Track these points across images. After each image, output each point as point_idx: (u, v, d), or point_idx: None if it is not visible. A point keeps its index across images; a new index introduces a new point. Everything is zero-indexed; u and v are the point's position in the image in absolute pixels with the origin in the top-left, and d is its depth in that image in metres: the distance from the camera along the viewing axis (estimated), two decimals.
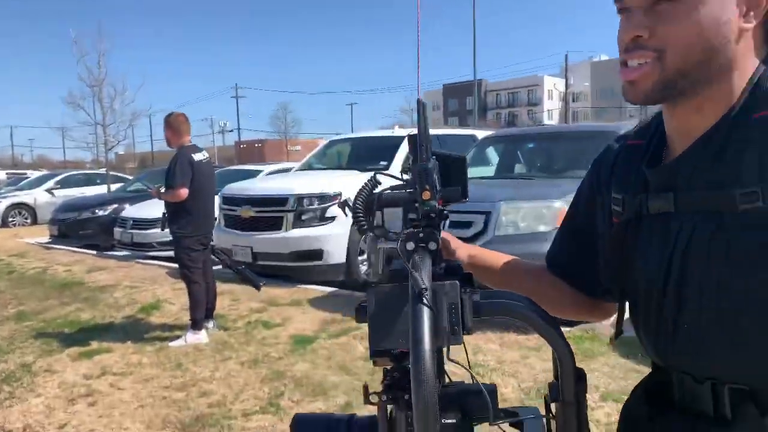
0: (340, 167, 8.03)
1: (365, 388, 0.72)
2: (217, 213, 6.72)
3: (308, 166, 8.51)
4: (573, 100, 61.69)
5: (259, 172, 10.23)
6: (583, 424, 0.76)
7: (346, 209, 0.83)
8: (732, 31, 0.76)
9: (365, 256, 6.40)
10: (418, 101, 0.73)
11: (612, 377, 3.59)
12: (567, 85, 47.06)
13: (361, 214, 0.76)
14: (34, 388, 4.06)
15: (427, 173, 0.67)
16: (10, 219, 15.95)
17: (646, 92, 0.79)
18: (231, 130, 65.71)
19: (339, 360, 4.16)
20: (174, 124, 4.89)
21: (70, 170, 22.71)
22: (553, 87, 75.50)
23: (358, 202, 0.76)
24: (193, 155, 4.82)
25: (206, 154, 5.09)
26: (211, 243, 5.23)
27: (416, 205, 0.68)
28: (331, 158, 8.72)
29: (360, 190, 0.77)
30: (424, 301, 0.59)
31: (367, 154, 7.95)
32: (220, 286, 5.53)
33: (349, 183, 6.57)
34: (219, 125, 66.71)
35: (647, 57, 0.78)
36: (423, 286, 0.60)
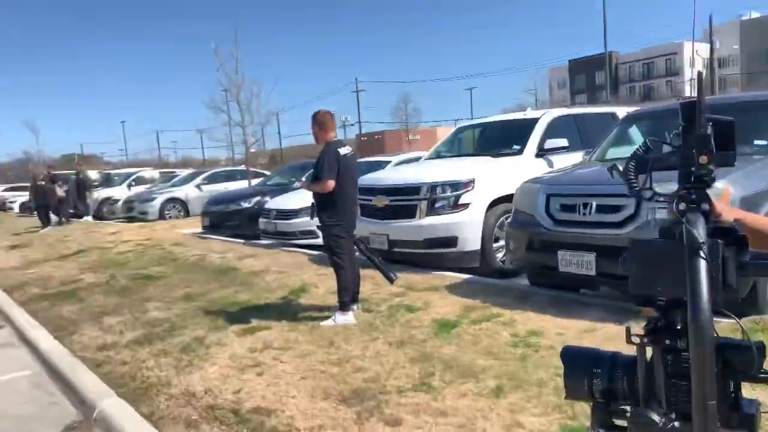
0: (470, 154, 8.07)
1: (627, 329, 0.81)
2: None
3: (437, 155, 8.64)
4: (719, 66, 55.90)
5: (386, 162, 10.54)
6: None
7: (614, 172, 0.92)
8: None
9: (502, 243, 6.43)
10: (699, 73, 0.81)
11: None
12: (712, 50, 42.17)
13: (632, 176, 0.84)
14: (208, 358, 4.56)
15: (705, 139, 0.74)
16: (166, 212, 17.66)
17: None
18: (352, 124, 67.66)
19: (485, 345, 4.25)
20: (321, 121, 5.23)
21: (211, 168, 24.71)
22: (694, 53, 69.14)
23: (631, 164, 0.85)
24: (339, 149, 5.14)
25: (350, 148, 5.39)
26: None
27: (691, 168, 0.76)
28: (461, 145, 8.78)
29: (632, 154, 0.85)
30: (702, 255, 0.67)
31: (499, 138, 7.94)
32: (362, 271, 5.84)
33: (482, 169, 6.62)
34: (341, 120, 68.88)
35: None
36: (701, 241, 0.67)
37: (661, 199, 0.79)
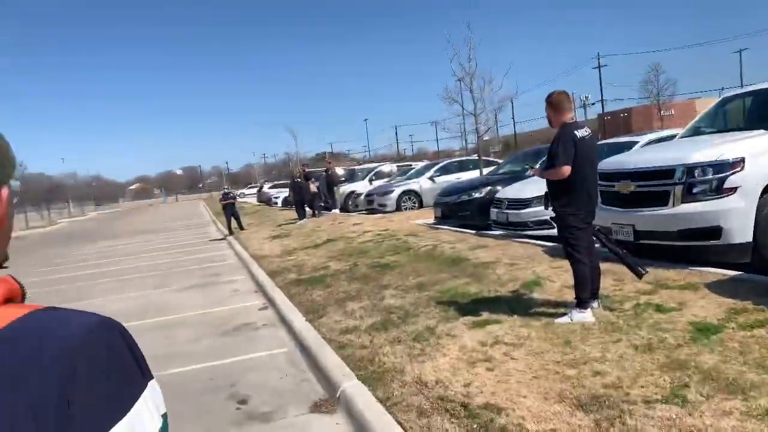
0: (738, 128, 6.84)
1: None
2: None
3: (695, 131, 7.52)
4: None
5: (632, 143, 9.52)
6: None
7: None
8: None
9: None
10: None
11: None
12: None
13: None
14: (439, 348, 4.56)
15: None
16: (402, 204, 18.54)
17: None
18: (593, 103, 63.49)
19: (757, 356, 3.54)
20: (555, 103, 4.86)
21: (444, 159, 25.27)
22: None
23: None
24: (575, 132, 4.72)
25: (588, 130, 4.92)
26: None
27: None
28: (726, 118, 7.51)
29: None
30: None
31: None
32: (602, 265, 5.33)
33: (755, 147, 5.56)
34: (580, 99, 65.05)
35: None
36: None
37: None
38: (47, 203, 65.06)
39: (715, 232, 5.56)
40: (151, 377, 0.76)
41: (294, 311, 6.89)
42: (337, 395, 4.26)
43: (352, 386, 4.24)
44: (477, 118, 17.62)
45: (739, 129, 6.72)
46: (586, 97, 64.35)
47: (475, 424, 3.25)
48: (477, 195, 11.78)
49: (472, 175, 16.84)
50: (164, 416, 0.77)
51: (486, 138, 20.88)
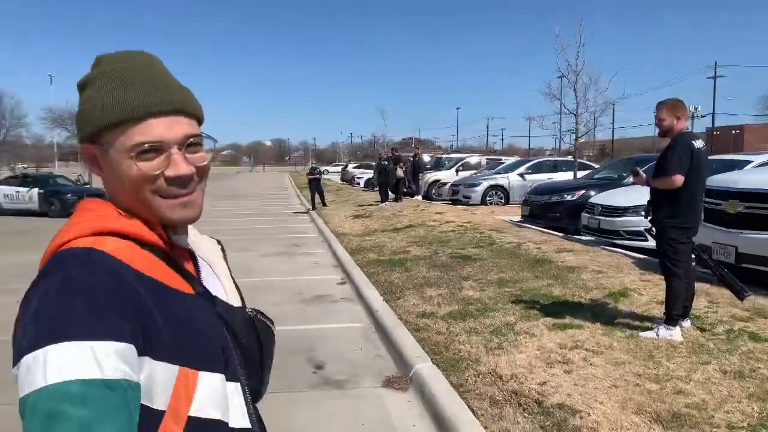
0: None
1: None
2: None
3: None
4: None
5: (746, 162, 8.95)
6: None
7: None
8: None
9: None
10: None
11: None
12: None
13: None
14: (517, 345, 4.57)
15: None
16: (488, 198, 18.36)
17: None
18: (704, 115, 59.72)
19: None
20: (676, 108, 4.67)
21: (538, 157, 24.70)
22: None
23: None
24: (693, 142, 4.54)
25: (703, 143, 4.72)
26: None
27: None
28: None
29: None
30: None
31: None
32: (696, 285, 5.12)
33: None
34: (690, 110, 61.46)
35: None
36: None
37: None
38: None
39: None
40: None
41: (372, 289, 7.06)
42: (410, 375, 4.37)
43: (426, 368, 4.34)
44: (578, 118, 17.10)
45: None
46: (696, 108, 60.68)
47: (549, 421, 3.26)
48: (569, 197, 11.50)
49: (565, 176, 16.44)
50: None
51: (582, 140, 20.17)
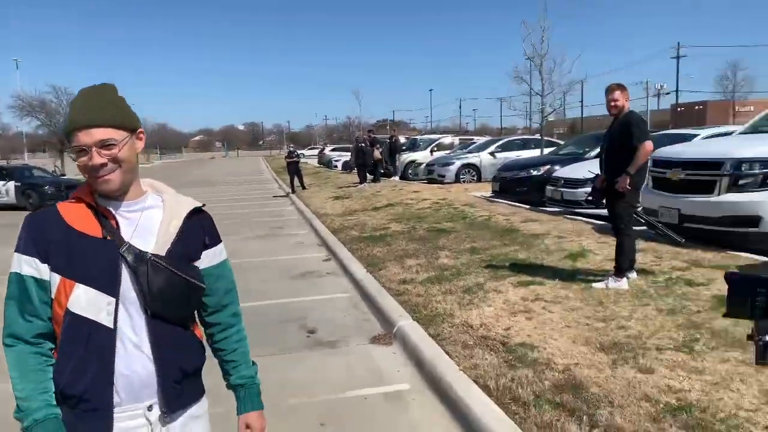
0: None
1: None
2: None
3: (754, 129, 7.78)
4: None
5: (692, 136, 9.76)
6: None
7: None
8: None
9: None
10: None
11: None
12: None
13: None
14: (486, 300, 5.21)
15: None
16: (461, 176, 19.01)
17: None
18: (668, 93, 61.53)
19: None
20: (624, 90, 5.33)
21: (507, 136, 25.42)
22: None
23: None
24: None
25: None
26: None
27: None
28: None
29: None
30: None
31: None
32: (642, 244, 5.82)
33: None
34: (655, 88, 63.16)
35: None
36: None
37: None
38: None
39: (755, 220, 5.94)
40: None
41: (355, 263, 7.63)
42: (394, 331, 4.98)
43: (407, 324, 4.95)
44: (543, 98, 17.79)
45: None
46: (661, 86, 62.21)
47: (511, 356, 3.90)
48: (535, 173, 12.20)
49: (533, 153, 17.12)
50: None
51: (551, 119, 20.94)
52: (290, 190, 20.06)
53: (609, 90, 5.36)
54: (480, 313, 4.86)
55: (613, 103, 5.33)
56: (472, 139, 25.83)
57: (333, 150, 43.98)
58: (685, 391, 3.14)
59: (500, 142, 20.13)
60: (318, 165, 40.65)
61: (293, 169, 20.30)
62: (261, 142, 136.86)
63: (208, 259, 1.64)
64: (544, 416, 3.07)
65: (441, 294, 5.63)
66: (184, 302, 1.57)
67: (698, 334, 3.91)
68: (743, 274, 1.19)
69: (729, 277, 1.19)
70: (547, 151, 16.15)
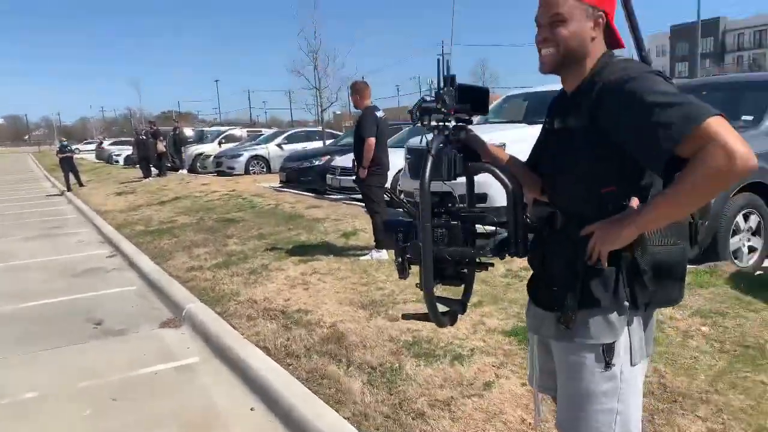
0: (516, 121, 8.75)
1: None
2: (403, 163, 8.07)
3: (485, 121, 9.37)
4: None
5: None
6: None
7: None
8: (587, 37, 1.61)
9: None
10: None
11: (710, 300, 4.14)
12: None
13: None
14: (269, 278, 5.79)
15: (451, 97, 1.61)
16: (251, 168, 19.30)
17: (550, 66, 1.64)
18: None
19: (482, 277, 5.20)
20: (360, 90, 6.24)
21: (293, 129, 26.24)
22: None
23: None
24: (376, 113, 6.15)
25: (383, 113, 6.39)
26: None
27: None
28: (508, 112, 9.48)
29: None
30: (431, 153, 1.59)
31: (542, 108, 8.61)
32: None
33: (516, 135, 7.40)
34: (427, 83, 69.49)
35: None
36: (430, 147, 1.59)
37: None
38: None
39: (482, 197, 7.35)
40: None
41: (142, 256, 7.68)
42: (183, 314, 5.32)
43: (195, 307, 5.32)
44: (320, 92, 18.82)
45: (517, 122, 8.65)
46: (432, 81, 68.10)
47: (289, 321, 4.54)
48: (317, 163, 13.09)
49: (317, 145, 18.10)
50: None
51: (338, 112, 22.13)
52: (66, 188, 18.52)
53: (351, 88, 6.36)
54: (264, 290, 5.42)
55: (355, 100, 6.30)
56: (260, 131, 26.14)
57: (113, 144, 40.95)
58: (419, 330, 4.05)
59: (286, 134, 20.82)
60: (97, 160, 37.48)
61: (67, 165, 18.74)
62: (27, 137, 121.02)
63: None
64: (312, 363, 3.76)
65: (228, 277, 6.07)
66: None
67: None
68: (390, 219, 1.90)
69: (384, 221, 1.89)
70: (329, 142, 17.20)
